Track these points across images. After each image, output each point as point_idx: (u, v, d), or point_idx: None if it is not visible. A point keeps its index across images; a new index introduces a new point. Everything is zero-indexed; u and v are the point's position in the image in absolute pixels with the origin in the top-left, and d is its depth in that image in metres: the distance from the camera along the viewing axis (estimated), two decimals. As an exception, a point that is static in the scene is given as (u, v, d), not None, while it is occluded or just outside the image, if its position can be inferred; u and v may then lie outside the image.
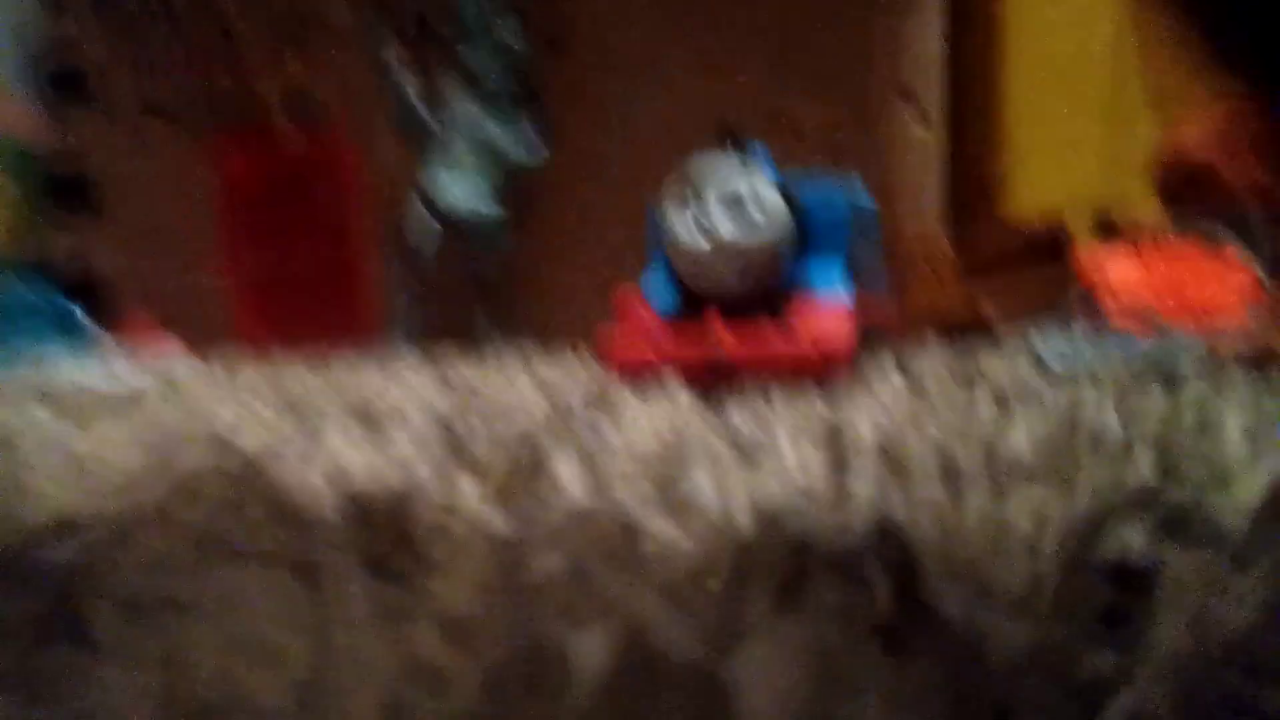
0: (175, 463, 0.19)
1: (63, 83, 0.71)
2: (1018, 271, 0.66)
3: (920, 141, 0.73)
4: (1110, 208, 0.64)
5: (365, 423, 0.25)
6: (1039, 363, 0.38)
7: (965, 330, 0.61)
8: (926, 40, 0.73)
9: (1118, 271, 0.49)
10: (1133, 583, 0.12)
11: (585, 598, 0.10)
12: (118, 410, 0.29)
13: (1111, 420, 0.20)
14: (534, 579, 0.11)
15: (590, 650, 0.08)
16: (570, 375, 0.35)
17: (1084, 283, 0.51)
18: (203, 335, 0.68)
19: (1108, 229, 0.63)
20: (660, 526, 0.13)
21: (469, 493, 0.16)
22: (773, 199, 0.34)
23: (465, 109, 0.64)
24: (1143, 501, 0.14)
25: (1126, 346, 0.38)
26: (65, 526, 0.15)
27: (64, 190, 0.70)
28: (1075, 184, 0.76)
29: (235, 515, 0.15)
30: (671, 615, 0.08)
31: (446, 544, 0.13)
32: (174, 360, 0.48)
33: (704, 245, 0.34)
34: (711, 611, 0.09)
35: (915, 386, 0.33)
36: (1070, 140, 0.78)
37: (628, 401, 0.28)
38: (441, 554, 0.13)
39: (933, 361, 0.41)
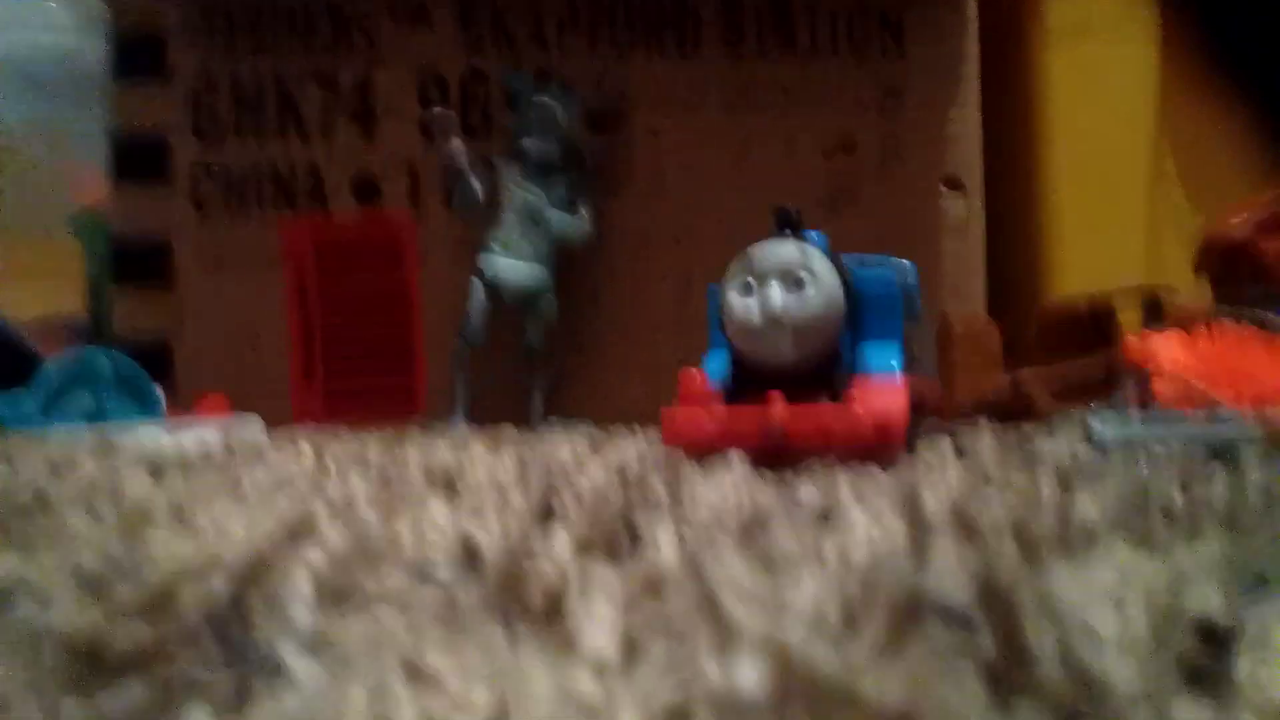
0: (284, 515, 0.21)
1: (136, 156, 0.75)
2: (1065, 355, 0.66)
3: (964, 227, 0.75)
4: (1156, 289, 0.65)
5: (449, 488, 0.27)
6: (1094, 443, 0.38)
7: (1014, 414, 0.61)
8: (968, 129, 0.75)
9: (1168, 354, 0.50)
10: (1217, 639, 0.13)
11: (721, 630, 0.11)
12: (212, 470, 0.31)
13: (1176, 488, 0.21)
14: (663, 617, 0.12)
15: (745, 674, 0.09)
16: (634, 450, 0.36)
17: (1134, 365, 0.52)
18: (265, 406, 0.70)
19: (1154, 311, 0.63)
20: (760, 582, 0.14)
21: (569, 546, 0.17)
22: (825, 271, 0.36)
23: (518, 186, 0.67)
24: (1218, 564, 0.15)
25: (1181, 427, 0.39)
26: (204, 571, 0.16)
27: (136, 261, 0.74)
28: (1119, 266, 0.76)
29: (356, 563, 0.17)
30: (810, 639, 0.09)
31: (566, 595, 0.14)
32: (248, 425, 0.49)
33: (757, 315, 0.35)
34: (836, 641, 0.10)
35: (973, 464, 0.33)
36: (1113, 223, 0.79)
37: (695, 474, 0.29)
38: (568, 604, 0.14)
39: (987, 442, 0.42)
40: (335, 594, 0.16)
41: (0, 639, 0.14)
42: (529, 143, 0.67)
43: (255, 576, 0.17)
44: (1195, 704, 0.12)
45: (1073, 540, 0.17)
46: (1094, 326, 0.67)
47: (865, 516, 0.19)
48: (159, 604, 0.15)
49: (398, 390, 0.73)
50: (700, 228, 0.74)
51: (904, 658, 0.11)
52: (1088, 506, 0.19)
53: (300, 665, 0.13)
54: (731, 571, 0.12)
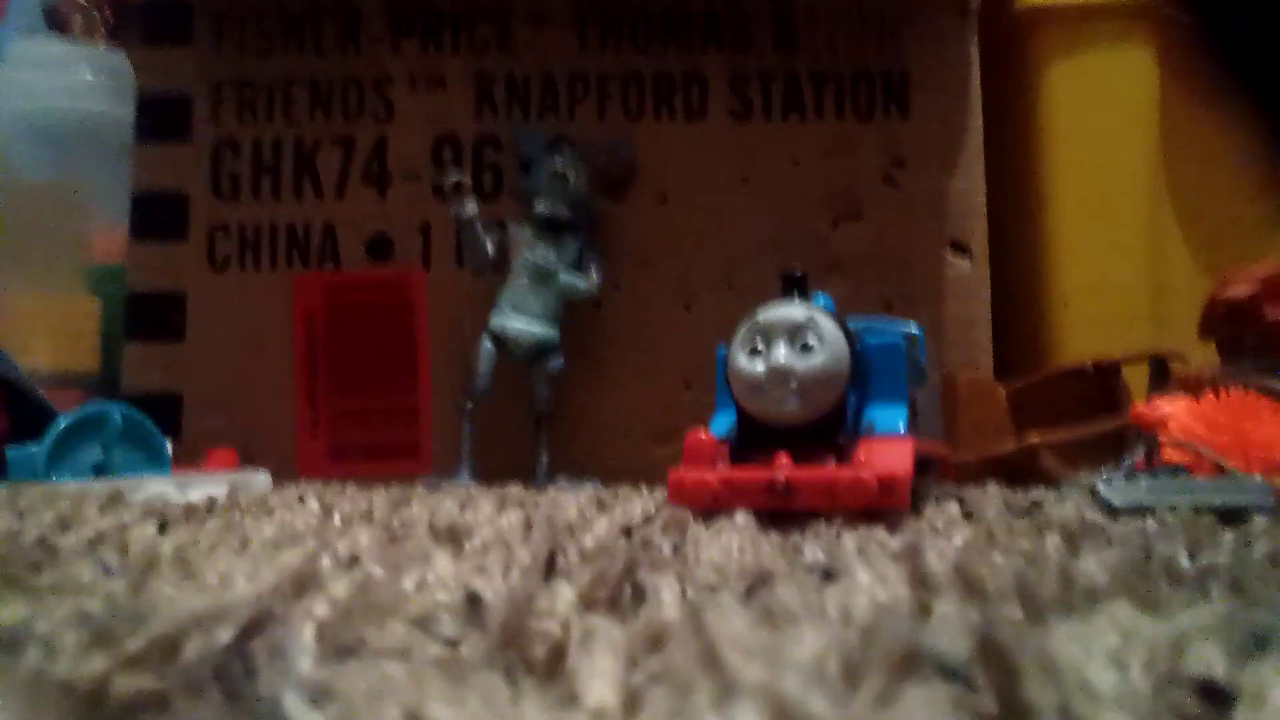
0: (288, 566, 0.21)
1: (155, 214, 0.76)
2: (1072, 418, 0.66)
3: (970, 290, 0.76)
4: (1162, 353, 0.65)
5: (454, 543, 0.27)
6: (1101, 503, 0.38)
7: (1022, 476, 0.61)
8: (972, 193, 0.76)
9: (1175, 415, 0.50)
10: (1217, 699, 0.13)
11: (721, 682, 0.11)
12: (218, 523, 0.31)
13: (1182, 551, 0.20)
14: (664, 670, 0.12)
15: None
16: (640, 508, 0.36)
17: (1141, 426, 0.52)
18: (271, 459, 0.70)
19: (1160, 374, 0.63)
20: (762, 636, 0.14)
21: (573, 602, 0.17)
22: (831, 332, 0.36)
23: (529, 247, 0.68)
24: (1221, 625, 0.15)
25: (1189, 492, 0.38)
26: (208, 621, 0.16)
27: (150, 316, 0.75)
28: (1124, 327, 0.77)
29: (360, 615, 0.17)
30: (808, 691, 0.09)
31: (568, 648, 0.14)
32: (255, 479, 0.50)
33: (761, 370, 0.35)
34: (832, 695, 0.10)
35: (979, 525, 0.33)
36: (1117, 283, 0.79)
37: (701, 532, 0.29)
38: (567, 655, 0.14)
39: (994, 503, 0.42)
40: (339, 645, 0.16)
41: (5, 686, 0.14)
42: (540, 204, 0.68)
43: (259, 627, 0.17)
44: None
45: (1076, 600, 0.17)
46: (1100, 389, 0.67)
47: (869, 575, 0.19)
48: (163, 653, 0.15)
49: (404, 445, 0.73)
50: (708, 289, 0.75)
51: (902, 712, 0.11)
52: (1092, 568, 0.19)
53: (303, 715, 0.13)
54: (733, 625, 0.12)
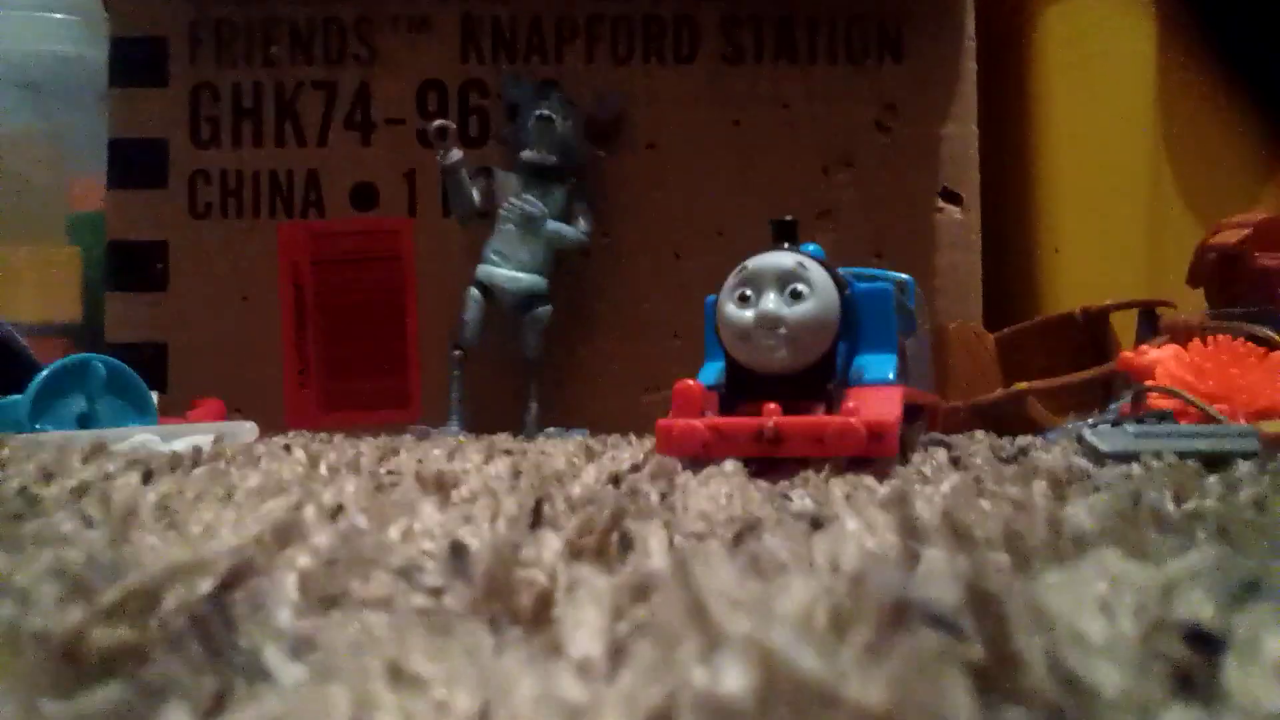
0: (270, 515, 0.21)
1: (134, 162, 0.75)
2: (1060, 363, 0.66)
3: (961, 238, 0.75)
4: (1151, 301, 0.65)
5: (441, 490, 0.26)
6: (1088, 450, 0.38)
7: (1011, 425, 0.61)
8: (965, 142, 0.75)
9: (1163, 362, 0.50)
10: (1206, 646, 0.13)
11: (708, 633, 0.10)
12: (203, 474, 0.30)
13: (1169, 498, 0.20)
14: (650, 622, 0.12)
15: (730, 677, 0.09)
16: (629, 458, 0.36)
17: (1129, 374, 0.52)
18: (259, 410, 0.70)
19: (1149, 322, 0.63)
20: (749, 587, 0.14)
21: (559, 552, 0.17)
22: (822, 281, 0.36)
23: (516, 196, 0.67)
24: (1209, 572, 0.15)
25: (1174, 434, 0.38)
26: (188, 573, 0.16)
27: (132, 266, 0.74)
28: (1116, 274, 0.77)
29: (344, 567, 0.16)
30: (795, 642, 0.09)
31: (554, 599, 0.14)
32: (242, 430, 0.49)
33: (750, 317, 0.35)
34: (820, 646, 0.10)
35: (966, 469, 0.33)
36: (1110, 232, 0.79)
37: (689, 478, 0.29)
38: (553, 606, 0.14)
39: (980, 448, 0.42)
40: (321, 596, 0.16)
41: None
42: (528, 153, 0.67)
43: (241, 579, 0.17)
44: (1184, 710, 0.11)
45: (1064, 548, 0.17)
46: (1089, 337, 0.67)
47: (857, 523, 0.19)
48: (142, 605, 0.15)
49: (392, 394, 0.73)
50: (698, 238, 0.74)
51: (890, 662, 0.11)
52: (1080, 515, 0.19)
53: (283, 667, 0.13)
54: (720, 577, 0.12)
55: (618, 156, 0.73)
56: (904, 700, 0.09)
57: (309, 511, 0.22)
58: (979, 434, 0.53)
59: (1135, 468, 0.30)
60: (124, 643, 0.13)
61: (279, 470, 0.31)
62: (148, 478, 0.31)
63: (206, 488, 0.28)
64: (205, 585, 0.16)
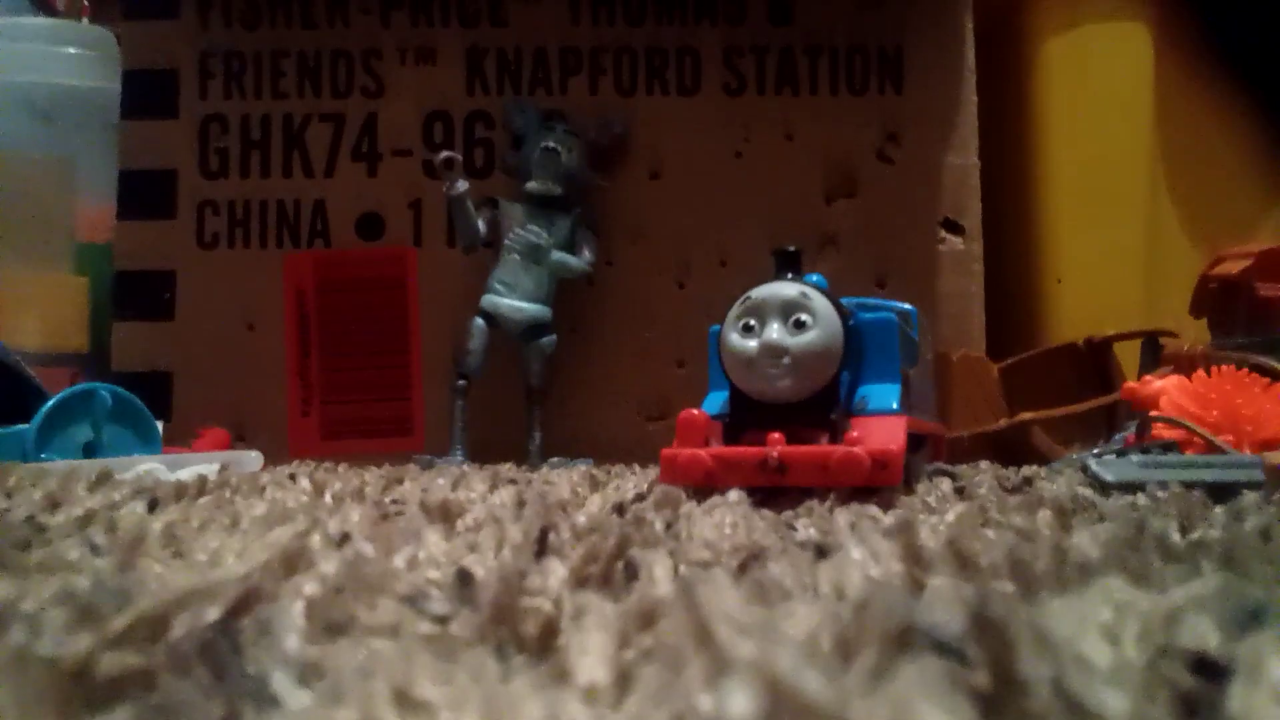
0: (277, 542, 0.21)
1: (143, 192, 0.75)
2: (1063, 392, 0.66)
3: (963, 267, 0.75)
4: (1154, 331, 0.65)
5: (446, 519, 0.27)
6: (1093, 479, 0.38)
7: (1012, 451, 0.61)
8: (966, 169, 0.76)
9: (1167, 391, 0.50)
10: (1211, 672, 0.13)
11: (714, 659, 0.11)
12: (209, 502, 0.31)
13: (1174, 527, 0.20)
14: (657, 648, 0.12)
15: (736, 701, 0.09)
16: (633, 487, 0.36)
17: (1133, 403, 0.52)
18: (263, 438, 0.70)
19: (1152, 348, 0.63)
20: (755, 613, 0.14)
21: (565, 580, 0.17)
22: (823, 305, 0.36)
23: (521, 226, 0.68)
24: (1214, 600, 0.15)
25: (1179, 464, 0.38)
26: (195, 599, 0.16)
27: (139, 294, 0.74)
28: (1118, 304, 0.77)
29: (351, 593, 0.16)
30: (801, 666, 0.09)
31: (560, 626, 0.14)
32: (247, 459, 0.49)
33: (754, 346, 0.35)
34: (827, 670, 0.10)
35: (971, 498, 0.33)
36: (1111, 260, 0.79)
37: (693, 507, 0.29)
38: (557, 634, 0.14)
39: (985, 477, 0.42)
40: (328, 623, 0.16)
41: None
42: (533, 184, 0.68)
43: (248, 605, 0.17)
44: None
45: (1069, 575, 0.17)
46: (1092, 366, 0.67)
47: (862, 551, 0.19)
48: (150, 631, 0.15)
49: (396, 422, 0.73)
50: (702, 266, 0.74)
51: (894, 686, 0.11)
52: (1085, 543, 0.19)
53: (290, 693, 0.13)
54: (725, 602, 0.12)
55: (623, 183, 0.74)
56: (909, 725, 0.09)
57: (315, 539, 0.22)
58: (983, 464, 0.53)
59: (1140, 498, 0.30)
60: (132, 668, 0.13)
61: (284, 499, 0.31)
62: (153, 506, 0.31)
63: (212, 515, 0.28)
64: (212, 612, 0.16)
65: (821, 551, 0.19)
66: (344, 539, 0.22)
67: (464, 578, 0.17)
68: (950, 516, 0.26)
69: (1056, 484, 0.38)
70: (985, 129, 0.76)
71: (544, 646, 0.14)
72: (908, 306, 0.46)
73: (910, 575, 0.17)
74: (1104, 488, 0.37)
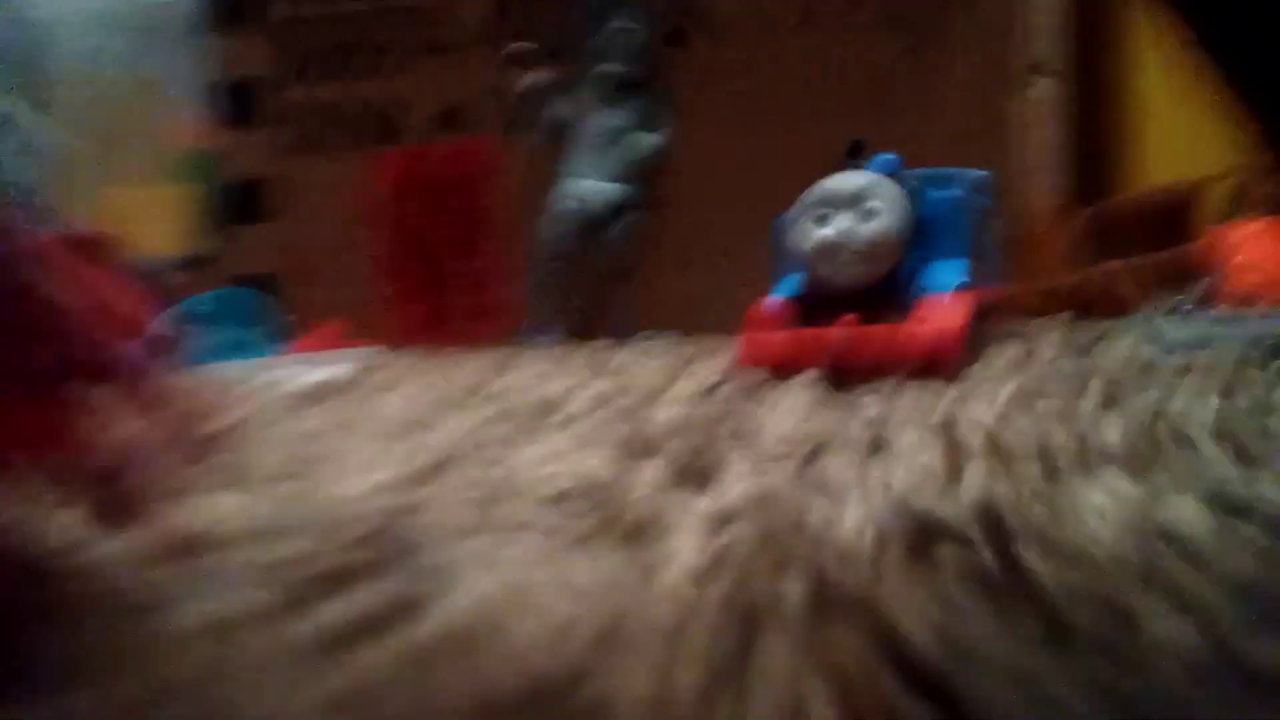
0: (411, 450, 0.25)
1: (235, 97, 0.79)
2: (1148, 241, 0.66)
3: (1049, 114, 0.74)
4: (1243, 175, 0.64)
5: (545, 414, 0.31)
6: (1158, 345, 0.39)
7: (1095, 301, 0.62)
8: (1052, 12, 0.73)
9: (1247, 247, 0.50)
10: (1186, 551, 0.16)
11: (774, 556, 0.14)
12: (349, 398, 0.36)
13: (1195, 415, 0.23)
14: (731, 543, 0.15)
15: (791, 590, 0.13)
16: (716, 371, 0.39)
17: (1211, 259, 0.52)
18: (366, 331, 0.76)
19: (1240, 199, 0.62)
20: (816, 506, 0.17)
21: (656, 477, 0.21)
22: (891, 191, 0.38)
23: (597, 110, 0.69)
24: (1201, 484, 0.18)
25: (1247, 327, 0.39)
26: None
27: (238, 198, 0.80)
28: (1207, 154, 0.74)
29: (488, 495, 0.21)
30: (840, 563, 0.13)
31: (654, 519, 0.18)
32: (370, 355, 0.54)
33: (826, 233, 0.38)
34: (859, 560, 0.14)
35: (1028, 369, 0.36)
36: (1202, 110, 0.76)
37: (768, 396, 0.32)
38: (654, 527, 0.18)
39: (1051, 341, 0.43)
40: (459, 527, 0.20)
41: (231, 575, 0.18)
42: (607, 65, 0.68)
43: (400, 511, 0.21)
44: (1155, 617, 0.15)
45: (1087, 462, 0.20)
46: (1177, 214, 0.66)
47: (910, 443, 0.22)
48: (348, 534, 0.19)
49: (492, 308, 0.78)
50: (772, 138, 0.74)
51: (918, 574, 0.14)
52: (1111, 429, 0.22)
53: (465, 579, 0.17)
54: (786, 505, 0.15)
55: (688, 60, 0.74)
56: (931, 607, 0.13)
57: (436, 449, 0.27)
58: (1058, 320, 0.54)
59: (1191, 367, 0.32)
60: (350, 564, 0.18)
61: (416, 399, 0.36)
62: (302, 408, 0.36)
63: (357, 418, 0.33)
64: (377, 518, 0.21)
65: (876, 445, 0.23)
66: (476, 446, 0.26)
67: (569, 479, 0.21)
68: (1002, 396, 0.28)
69: (1120, 346, 0.40)
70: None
71: (639, 539, 0.18)
72: (981, 172, 0.47)
73: (949, 466, 0.20)
74: (1169, 348, 0.39)
